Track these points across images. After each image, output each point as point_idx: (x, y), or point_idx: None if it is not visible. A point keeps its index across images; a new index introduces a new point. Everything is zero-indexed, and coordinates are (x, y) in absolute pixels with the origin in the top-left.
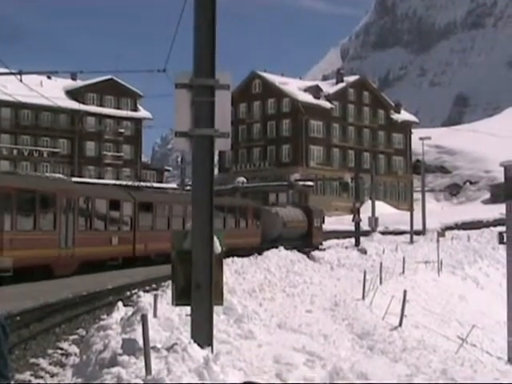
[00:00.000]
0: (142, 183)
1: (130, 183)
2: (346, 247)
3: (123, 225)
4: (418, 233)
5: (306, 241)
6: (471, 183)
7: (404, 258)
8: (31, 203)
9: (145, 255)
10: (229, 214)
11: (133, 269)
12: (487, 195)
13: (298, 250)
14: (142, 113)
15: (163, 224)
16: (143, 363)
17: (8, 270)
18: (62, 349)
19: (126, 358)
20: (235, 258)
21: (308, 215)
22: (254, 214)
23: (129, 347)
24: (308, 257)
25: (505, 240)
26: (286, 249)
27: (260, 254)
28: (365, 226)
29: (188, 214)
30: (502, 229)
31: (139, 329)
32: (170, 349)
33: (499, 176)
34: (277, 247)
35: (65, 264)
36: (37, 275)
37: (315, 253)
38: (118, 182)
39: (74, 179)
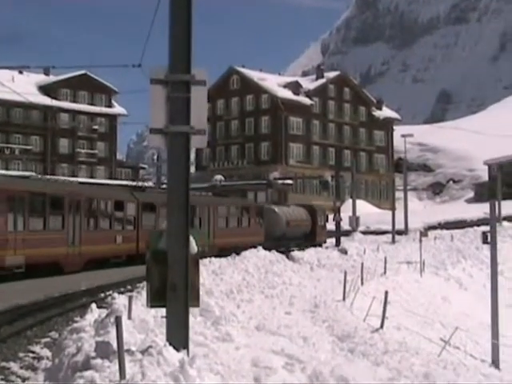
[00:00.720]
0: (146, 184)
1: (134, 183)
2: (327, 247)
3: (127, 224)
4: (400, 232)
5: (310, 239)
6: (454, 182)
7: (386, 259)
8: (42, 205)
9: None
10: (232, 212)
11: (135, 266)
12: (471, 194)
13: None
14: (117, 109)
15: (165, 223)
16: (117, 367)
17: (20, 266)
18: (33, 352)
19: (99, 361)
20: (212, 259)
21: (312, 214)
22: (257, 212)
23: (102, 350)
24: (287, 257)
25: (489, 240)
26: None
27: (238, 254)
28: (345, 225)
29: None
30: (486, 228)
31: (113, 331)
32: (144, 352)
33: (483, 174)
34: (256, 247)
35: (72, 261)
36: (48, 272)
37: (295, 253)
38: (124, 183)
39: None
